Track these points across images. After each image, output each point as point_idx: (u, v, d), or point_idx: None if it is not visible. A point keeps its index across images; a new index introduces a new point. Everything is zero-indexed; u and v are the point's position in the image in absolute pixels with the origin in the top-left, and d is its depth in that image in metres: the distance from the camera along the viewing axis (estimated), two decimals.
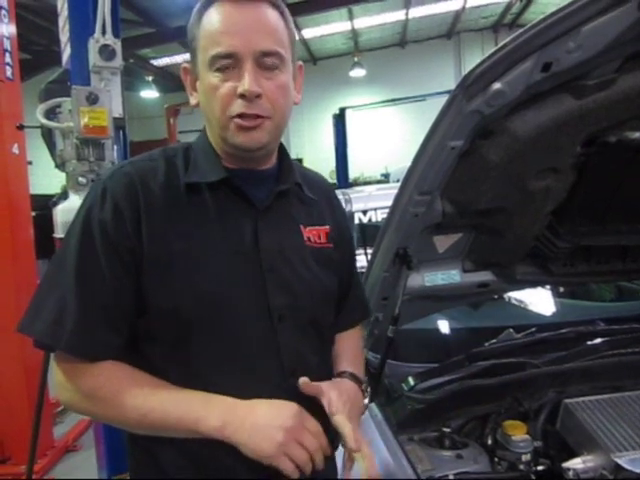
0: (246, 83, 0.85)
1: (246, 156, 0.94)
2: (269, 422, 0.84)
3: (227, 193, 0.93)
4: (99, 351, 0.86)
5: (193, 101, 0.96)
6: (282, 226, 0.98)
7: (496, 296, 2.09)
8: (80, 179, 2.18)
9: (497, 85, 1.09)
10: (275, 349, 0.93)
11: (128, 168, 0.92)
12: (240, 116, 0.88)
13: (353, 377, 1.04)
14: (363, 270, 1.48)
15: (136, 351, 0.91)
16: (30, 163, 3.33)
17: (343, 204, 1.24)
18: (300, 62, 1.00)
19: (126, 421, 0.87)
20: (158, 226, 0.87)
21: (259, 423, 0.84)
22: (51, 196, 2.47)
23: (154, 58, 14.16)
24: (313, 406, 0.91)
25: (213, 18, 0.88)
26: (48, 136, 2.46)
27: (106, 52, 2.22)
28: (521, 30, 1.03)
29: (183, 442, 0.88)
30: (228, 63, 0.86)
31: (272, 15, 0.90)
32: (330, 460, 1.08)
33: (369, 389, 1.15)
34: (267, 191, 0.97)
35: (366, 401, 1.09)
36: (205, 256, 0.89)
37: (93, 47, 2.20)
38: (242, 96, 0.86)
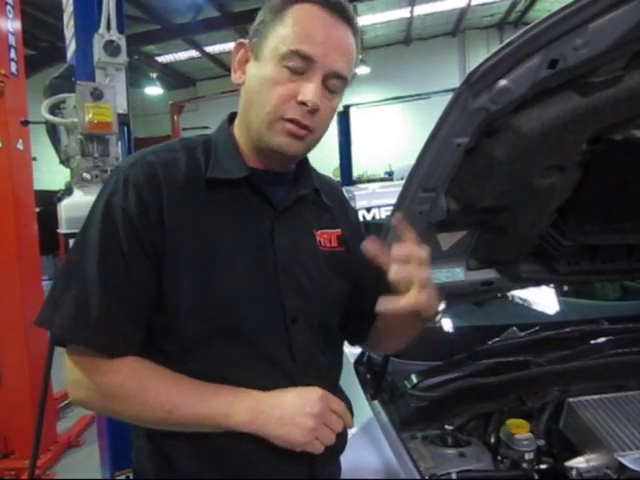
0: (312, 94, 0.85)
1: (275, 158, 0.93)
2: (297, 410, 0.85)
3: (247, 192, 0.92)
4: (121, 346, 0.84)
5: (237, 79, 0.93)
6: (297, 229, 0.97)
7: (500, 294, 2.09)
8: (84, 175, 2.18)
9: (503, 82, 1.08)
10: (288, 350, 0.92)
11: (151, 157, 0.89)
12: (292, 121, 0.86)
13: None
14: None
15: (152, 348, 0.89)
16: (34, 159, 3.33)
17: None
18: None
19: (150, 418, 0.85)
20: (179, 220, 0.85)
21: (288, 413, 0.84)
22: (55, 192, 2.47)
23: (159, 55, 14.19)
24: (332, 391, 0.93)
25: (306, 14, 0.86)
26: (53, 132, 2.47)
27: (111, 48, 2.22)
28: (528, 27, 1.02)
29: (194, 438, 0.88)
30: (300, 66, 0.85)
31: (353, 42, 0.91)
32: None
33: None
34: (285, 192, 0.97)
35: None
36: (222, 254, 0.87)
37: (98, 43, 2.20)
38: (303, 104, 0.85)
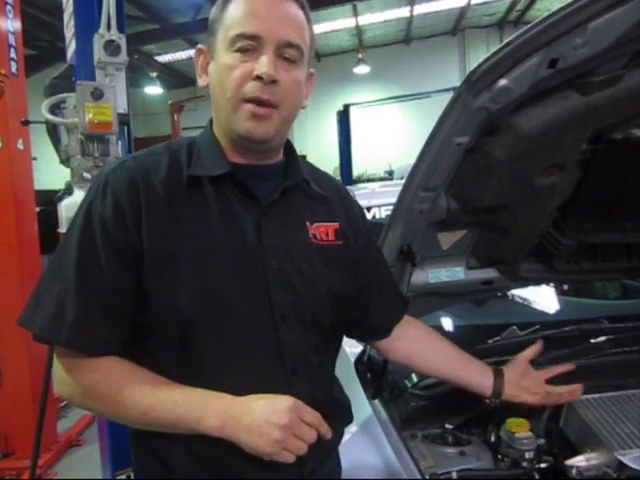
0: (264, 66, 0.85)
1: (251, 148, 0.93)
2: (265, 420, 0.83)
3: (230, 188, 0.92)
4: (98, 347, 0.86)
5: (202, 83, 0.95)
6: (286, 223, 0.96)
7: (500, 293, 2.09)
8: (85, 174, 2.18)
9: (503, 81, 1.08)
10: (276, 347, 0.92)
11: (130, 163, 0.91)
12: (253, 101, 0.86)
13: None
14: None
15: (137, 348, 0.90)
16: (35, 159, 3.33)
17: None
18: (312, 70, 0.99)
19: (125, 417, 0.87)
20: (159, 222, 0.86)
21: (255, 421, 0.83)
22: (55, 192, 2.47)
23: (158, 54, 14.18)
24: (312, 400, 0.91)
25: (241, 1, 0.88)
26: (53, 132, 2.47)
27: (111, 47, 2.22)
28: (528, 26, 1.03)
29: (188, 439, 0.88)
30: (250, 45, 0.86)
31: (299, 13, 0.91)
32: (334, 455, 1.08)
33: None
34: (272, 187, 0.96)
35: None
36: (206, 252, 0.88)
37: (98, 42, 2.20)
38: (258, 78, 0.85)
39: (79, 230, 0.87)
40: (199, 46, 0.95)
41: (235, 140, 0.92)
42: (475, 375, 1.26)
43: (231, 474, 0.91)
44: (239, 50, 0.86)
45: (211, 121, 0.99)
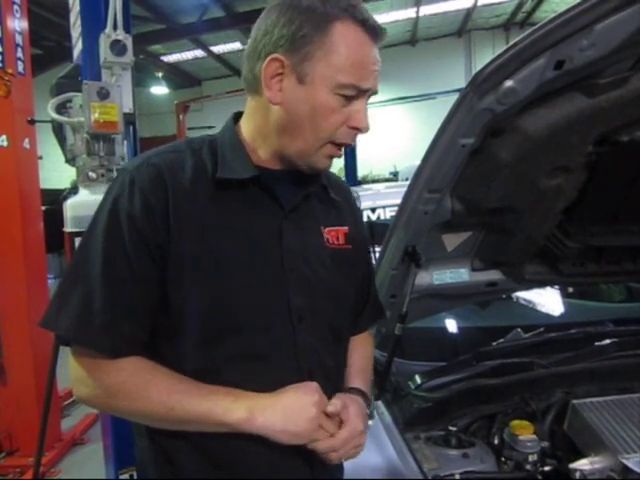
0: (365, 121, 0.88)
1: (302, 169, 0.94)
2: (299, 401, 0.86)
3: (255, 191, 0.91)
4: (124, 347, 0.85)
5: (274, 98, 0.87)
6: (305, 226, 0.97)
7: (504, 295, 2.09)
8: (90, 174, 2.19)
9: (509, 83, 1.08)
10: (293, 349, 0.92)
11: (155, 159, 0.89)
12: (340, 145, 0.90)
13: (362, 394, 1.05)
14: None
15: (156, 348, 0.89)
16: (41, 158, 3.35)
17: None
18: None
19: (151, 415, 0.86)
20: (185, 222, 0.85)
21: (290, 404, 0.85)
22: (60, 191, 2.49)
23: (164, 54, 14.23)
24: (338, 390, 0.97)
25: (355, 43, 0.84)
26: (59, 131, 2.48)
27: (117, 47, 2.22)
28: (534, 27, 1.02)
29: (199, 438, 0.88)
30: (354, 94, 0.86)
31: None
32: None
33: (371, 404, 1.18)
34: (292, 190, 0.95)
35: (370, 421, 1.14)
36: (228, 255, 0.87)
37: (104, 42, 2.21)
38: (356, 129, 0.89)
39: (104, 228, 0.84)
40: (276, 55, 0.85)
41: (291, 161, 0.92)
42: None
43: (237, 475, 0.91)
44: (344, 95, 0.85)
45: (233, 120, 0.98)
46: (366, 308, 1.16)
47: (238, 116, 0.99)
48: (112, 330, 0.83)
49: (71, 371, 0.88)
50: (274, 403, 0.86)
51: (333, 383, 0.99)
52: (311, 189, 0.98)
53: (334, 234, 1.02)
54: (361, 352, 1.14)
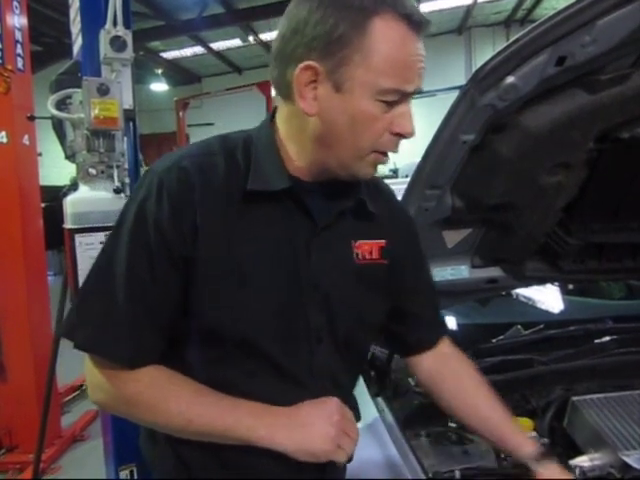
0: (411, 126, 0.81)
1: (343, 178, 0.87)
2: (318, 420, 0.84)
3: (287, 203, 0.86)
4: (143, 358, 0.83)
5: (309, 109, 0.79)
6: (333, 243, 0.90)
7: (504, 292, 2.09)
8: (90, 170, 2.18)
9: (510, 79, 1.08)
10: (309, 369, 0.90)
11: (186, 163, 0.83)
12: (384, 152, 0.83)
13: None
14: None
15: (174, 357, 0.87)
16: (40, 154, 3.34)
17: None
18: None
19: (171, 426, 0.84)
20: (212, 233, 0.81)
21: (308, 423, 0.84)
22: (60, 187, 2.48)
23: (164, 51, 14.20)
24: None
25: (397, 40, 0.75)
26: (59, 127, 2.47)
27: (117, 43, 2.21)
28: (536, 23, 1.02)
29: (208, 448, 0.87)
30: (397, 98, 0.78)
31: None
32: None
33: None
34: (326, 205, 0.89)
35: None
36: (253, 269, 0.83)
37: (104, 38, 2.20)
38: (400, 135, 0.82)
39: (131, 231, 0.81)
40: (309, 63, 0.76)
41: (330, 172, 0.86)
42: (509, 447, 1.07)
43: (254, 474, 0.90)
44: (386, 101, 0.78)
45: (269, 120, 0.90)
46: (421, 323, 1.10)
47: (275, 113, 0.91)
48: (131, 342, 0.81)
49: (87, 375, 0.86)
50: (292, 421, 0.84)
51: (344, 397, 0.95)
52: (346, 204, 0.91)
53: (367, 248, 0.94)
54: (483, 390, 1.09)
